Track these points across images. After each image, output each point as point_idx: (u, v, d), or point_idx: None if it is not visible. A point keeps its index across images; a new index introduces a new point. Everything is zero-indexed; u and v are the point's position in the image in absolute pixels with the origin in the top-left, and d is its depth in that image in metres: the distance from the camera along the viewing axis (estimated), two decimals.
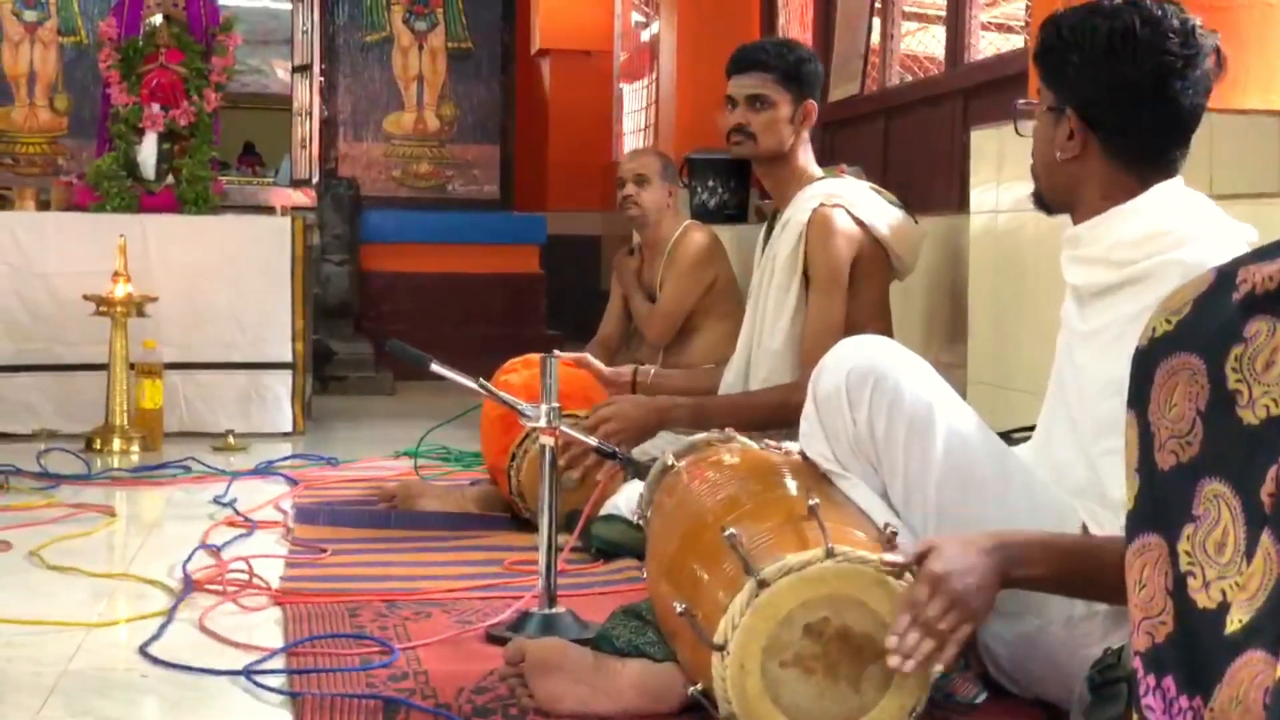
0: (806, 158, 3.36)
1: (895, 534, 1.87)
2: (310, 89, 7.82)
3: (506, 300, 8.00)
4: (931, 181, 4.64)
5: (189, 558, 3.02)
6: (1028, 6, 4.09)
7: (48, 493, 3.92)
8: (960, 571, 1.74)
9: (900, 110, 5.13)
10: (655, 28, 7.69)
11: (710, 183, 5.61)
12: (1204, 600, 1.10)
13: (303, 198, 7.26)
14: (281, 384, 5.27)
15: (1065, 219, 2.09)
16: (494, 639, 2.39)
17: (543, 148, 9.05)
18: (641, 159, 4.35)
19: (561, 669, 2.02)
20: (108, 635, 2.52)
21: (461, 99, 8.79)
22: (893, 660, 1.73)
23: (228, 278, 5.24)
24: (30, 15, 8.23)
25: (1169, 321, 1.17)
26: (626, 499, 3.06)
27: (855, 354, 2.06)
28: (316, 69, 7.91)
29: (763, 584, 1.75)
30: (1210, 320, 1.14)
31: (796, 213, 3.26)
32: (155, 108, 5.44)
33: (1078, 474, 1.97)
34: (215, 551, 3.13)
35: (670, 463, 2.24)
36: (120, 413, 4.79)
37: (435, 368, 2.50)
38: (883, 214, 3.28)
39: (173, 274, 5.14)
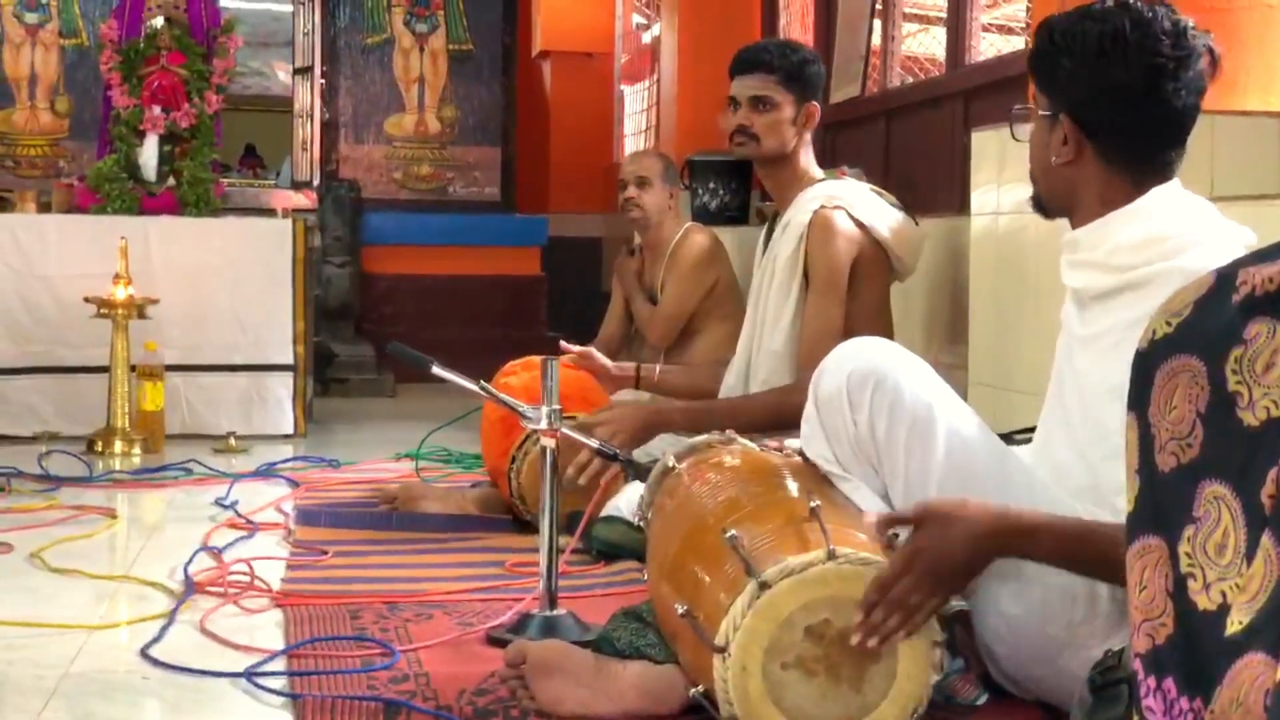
0: (808, 159, 3.36)
1: (897, 535, 1.87)
2: (311, 91, 7.82)
3: (507, 302, 8.01)
4: (932, 183, 4.64)
5: (190, 560, 3.03)
6: (1028, 8, 4.09)
7: (49, 495, 3.92)
8: (940, 549, 1.76)
9: (901, 112, 5.13)
10: (656, 29, 7.70)
11: (711, 184, 5.61)
12: (1204, 602, 1.10)
13: (304, 200, 7.26)
14: (283, 386, 5.27)
15: (1065, 221, 2.09)
16: (495, 641, 2.39)
17: (544, 150, 9.05)
18: (643, 161, 4.35)
19: (562, 671, 2.02)
20: (109, 637, 2.52)
21: (462, 101, 8.79)
22: (855, 637, 1.74)
23: (229, 280, 5.24)
24: (31, 17, 8.23)
25: (1169, 323, 1.17)
26: (627, 500, 3.06)
27: (856, 356, 2.06)
28: (318, 71, 7.92)
29: (764, 586, 1.75)
30: (1210, 322, 1.14)
31: (797, 214, 3.26)
32: (156, 110, 5.44)
33: (1077, 476, 1.97)
34: (216, 553, 3.14)
35: (671, 464, 2.24)
36: (121, 415, 4.80)
37: (436, 370, 2.50)
38: (883, 216, 3.28)
39: (174, 276, 5.14)
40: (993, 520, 1.81)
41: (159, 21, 5.55)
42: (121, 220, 5.23)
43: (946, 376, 2.11)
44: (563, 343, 3.46)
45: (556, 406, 2.44)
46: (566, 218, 8.67)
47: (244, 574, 2.87)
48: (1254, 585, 1.04)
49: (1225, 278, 1.14)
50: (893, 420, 1.99)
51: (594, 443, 2.76)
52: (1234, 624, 1.05)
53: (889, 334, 3.22)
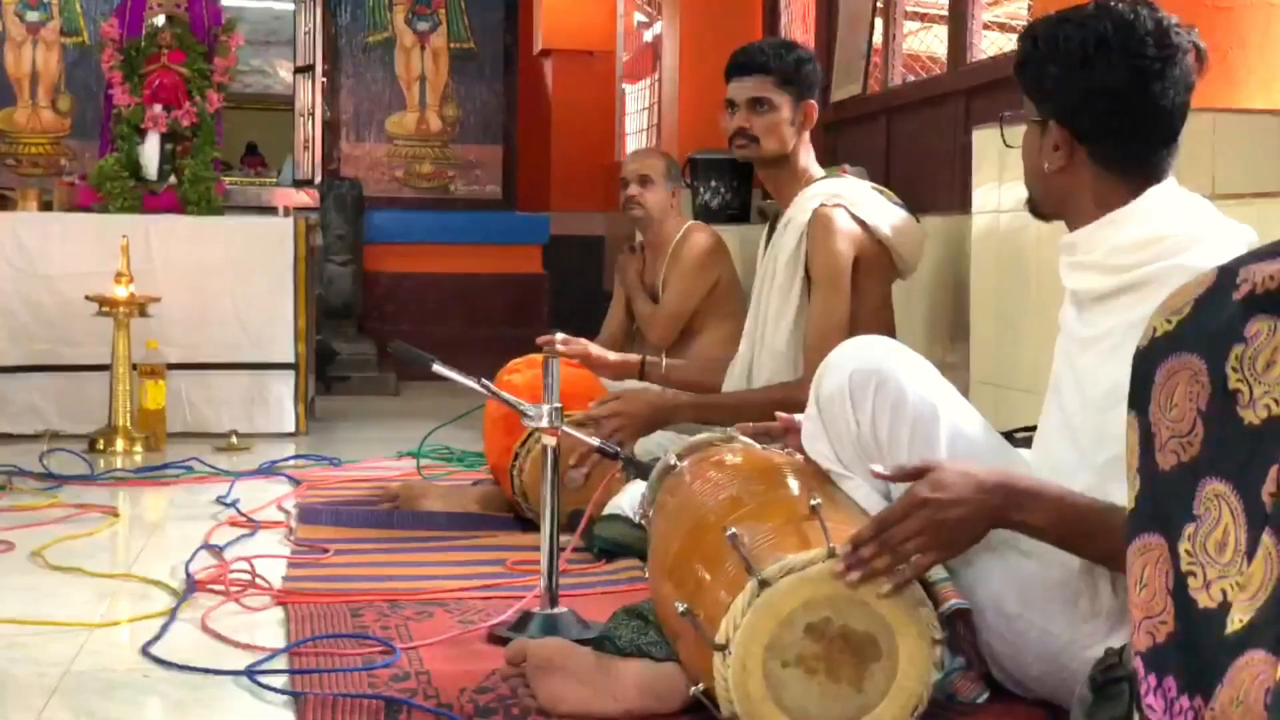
0: (808, 158, 3.36)
1: None
2: (313, 89, 7.82)
3: (509, 300, 8.01)
4: (934, 181, 4.64)
5: (192, 558, 3.03)
6: (1030, 6, 4.09)
7: (51, 493, 3.92)
8: (947, 501, 1.77)
9: (903, 110, 5.13)
10: (658, 28, 7.70)
11: (713, 183, 5.61)
12: (1205, 600, 1.10)
13: (305, 198, 7.26)
14: (284, 384, 5.27)
15: (1064, 221, 2.08)
16: (496, 639, 2.39)
17: (545, 148, 9.05)
18: (645, 159, 4.35)
19: (563, 669, 2.02)
20: (110, 635, 2.53)
21: (464, 99, 8.80)
22: (837, 567, 1.74)
23: (230, 278, 5.24)
24: (33, 16, 8.24)
25: (1169, 321, 1.17)
26: (629, 499, 3.06)
27: (858, 355, 2.06)
28: (319, 69, 7.91)
29: (764, 584, 1.75)
30: (1211, 320, 1.14)
31: (798, 213, 3.26)
32: (158, 108, 5.45)
33: (1078, 478, 1.97)
34: (218, 552, 3.14)
35: (672, 462, 2.24)
36: (123, 413, 4.80)
37: (437, 368, 2.50)
38: (884, 214, 3.28)
39: (175, 275, 5.15)
40: (997, 479, 1.81)
41: (160, 20, 5.56)
42: (123, 219, 5.24)
43: (948, 375, 2.11)
44: (559, 334, 3.46)
45: (558, 405, 2.44)
46: (568, 216, 8.67)
47: (245, 572, 2.87)
48: (1254, 583, 1.04)
49: (1226, 275, 1.14)
50: (895, 419, 1.99)
51: (595, 441, 2.75)
52: (1235, 622, 1.05)
53: (891, 332, 3.21)
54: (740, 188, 5.60)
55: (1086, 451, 1.95)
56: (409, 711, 2.02)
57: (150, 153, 5.45)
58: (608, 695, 1.99)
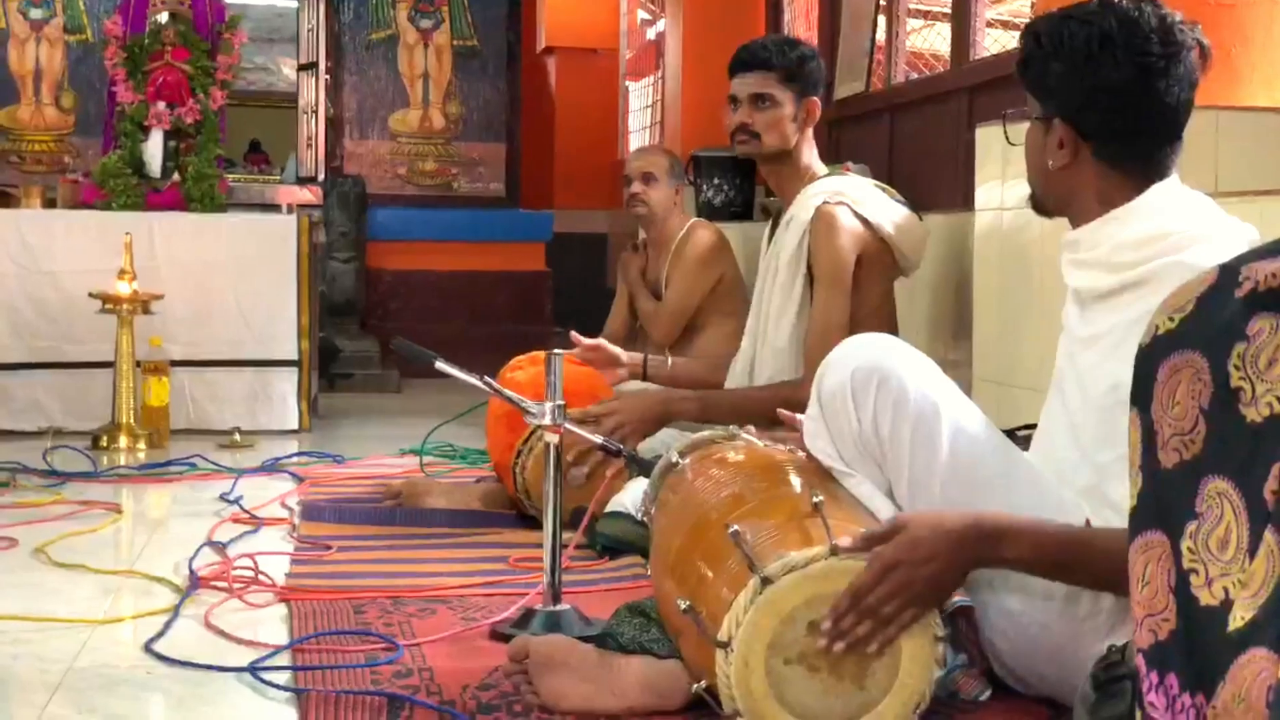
0: (810, 155, 3.37)
1: None
2: (316, 87, 7.82)
3: (513, 298, 8.01)
4: (937, 178, 4.64)
5: (195, 555, 3.03)
6: (1033, 3, 4.09)
7: (54, 490, 3.93)
8: (920, 559, 1.75)
9: (906, 107, 5.13)
10: (661, 25, 7.70)
11: (716, 180, 5.62)
12: (1207, 598, 1.10)
13: (309, 195, 7.27)
14: (287, 381, 5.28)
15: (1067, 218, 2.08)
16: (498, 636, 2.39)
17: (549, 145, 9.06)
18: (648, 157, 4.35)
19: (566, 666, 2.02)
20: (113, 632, 2.53)
21: (467, 97, 8.80)
22: (821, 641, 1.74)
23: (234, 275, 5.24)
24: (36, 13, 8.24)
25: (1172, 319, 1.17)
26: (631, 496, 3.06)
27: (860, 352, 2.06)
28: (322, 67, 7.91)
29: (767, 581, 1.75)
30: (1213, 318, 1.13)
31: (800, 210, 3.26)
32: (161, 105, 5.45)
33: (1080, 476, 1.97)
34: (221, 548, 3.14)
35: (675, 460, 2.24)
36: (127, 410, 4.80)
37: (440, 365, 2.50)
38: (887, 211, 3.28)
39: (179, 272, 5.15)
40: (967, 524, 1.79)
41: (164, 17, 5.56)
42: (126, 216, 5.24)
43: (951, 372, 2.11)
44: (573, 334, 3.47)
45: (560, 402, 2.44)
46: (571, 213, 8.67)
47: (248, 569, 2.87)
48: (1256, 581, 1.04)
49: (1228, 273, 1.14)
50: (897, 418, 1.98)
51: (598, 438, 2.75)
52: (1236, 620, 1.05)
53: (893, 330, 3.22)
54: (743, 185, 5.60)
55: (1087, 450, 1.95)
56: (411, 708, 2.02)
57: (154, 150, 5.45)
58: (610, 692, 1.99)
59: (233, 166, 7.47)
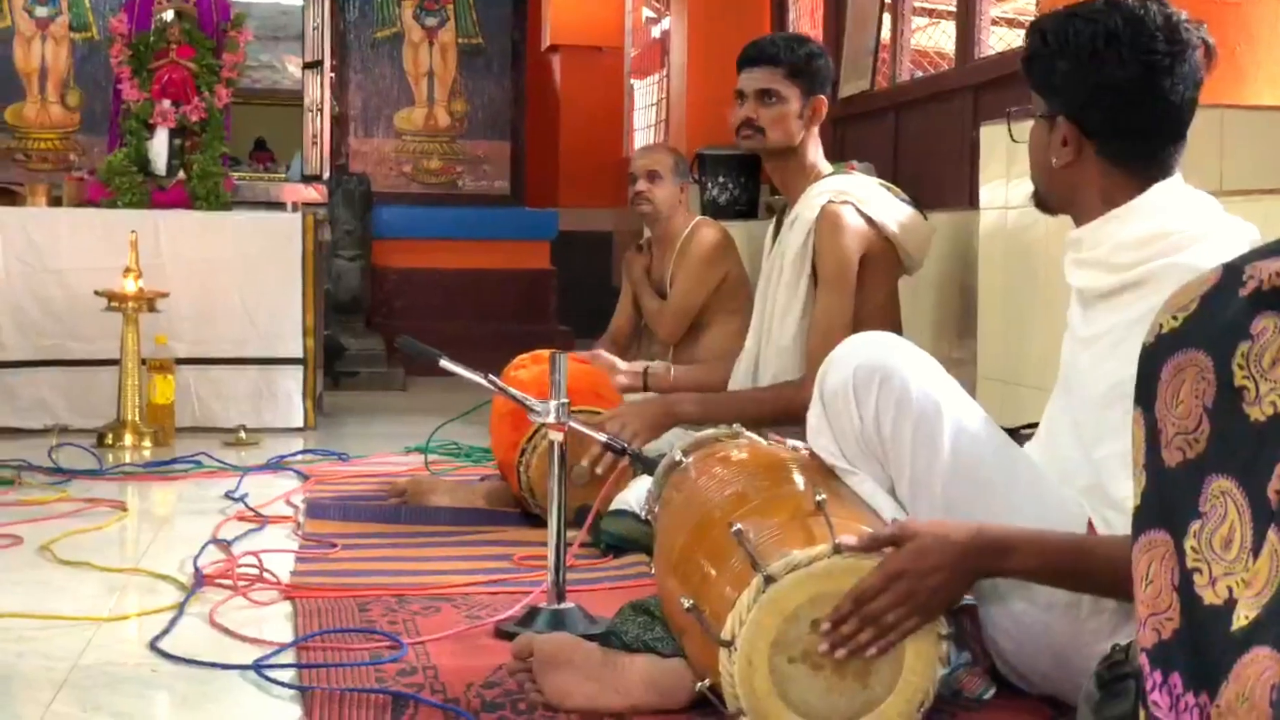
0: (816, 153, 3.36)
1: None
2: (321, 85, 7.81)
3: (517, 296, 8.01)
4: (941, 177, 4.64)
5: (200, 552, 3.03)
6: (1037, 1, 4.09)
7: (59, 487, 3.93)
8: (921, 570, 1.75)
9: (911, 106, 5.13)
10: (666, 23, 7.70)
11: (721, 178, 5.62)
12: (1210, 597, 1.10)
13: (314, 193, 7.26)
14: (293, 379, 5.28)
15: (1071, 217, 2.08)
16: (503, 634, 2.39)
17: (554, 143, 9.06)
18: (653, 155, 4.35)
19: (570, 664, 2.02)
20: (118, 630, 2.53)
21: (472, 95, 8.80)
22: (821, 645, 1.74)
23: (239, 273, 5.25)
24: (42, 11, 8.25)
25: (1175, 318, 1.17)
26: (636, 494, 3.06)
27: (862, 351, 2.06)
28: (328, 65, 7.90)
29: (770, 580, 1.75)
30: (1217, 317, 1.13)
31: (805, 209, 3.26)
32: (166, 103, 5.45)
33: (1082, 475, 1.96)
34: (226, 546, 3.14)
35: (678, 458, 2.25)
36: (132, 408, 4.81)
37: (445, 364, 2.50)
38: (892, 210, 3.28)
39: (184, 270, 5.16)
40: (970, 535, 1.79)
41: (169, 15, 5.56)
42: (132, 214, 5.25)
43: (956, 371, 2.11)
44: (572, 354, 3.47)
45: (564, 400, 2.44)
46: (576, 212, 8.68)
47: (253, 567, 2.88)
48: (1260, 580, 1.04)
49: (1232, 272, 1.14)
50: (899, 416, 1.99)
51: (603, 437, 2.75)
52: (1240, 619, 1.05)
53: (897, 329, 3.21)
54: (748, 183, 5.60)
55: (1090, 448, 1.95)
56: (416, 706, 2.02)
57: (159, 148, 5.46)
58: (614, 690, 1.99)
59: (238, 164, 7.47)
